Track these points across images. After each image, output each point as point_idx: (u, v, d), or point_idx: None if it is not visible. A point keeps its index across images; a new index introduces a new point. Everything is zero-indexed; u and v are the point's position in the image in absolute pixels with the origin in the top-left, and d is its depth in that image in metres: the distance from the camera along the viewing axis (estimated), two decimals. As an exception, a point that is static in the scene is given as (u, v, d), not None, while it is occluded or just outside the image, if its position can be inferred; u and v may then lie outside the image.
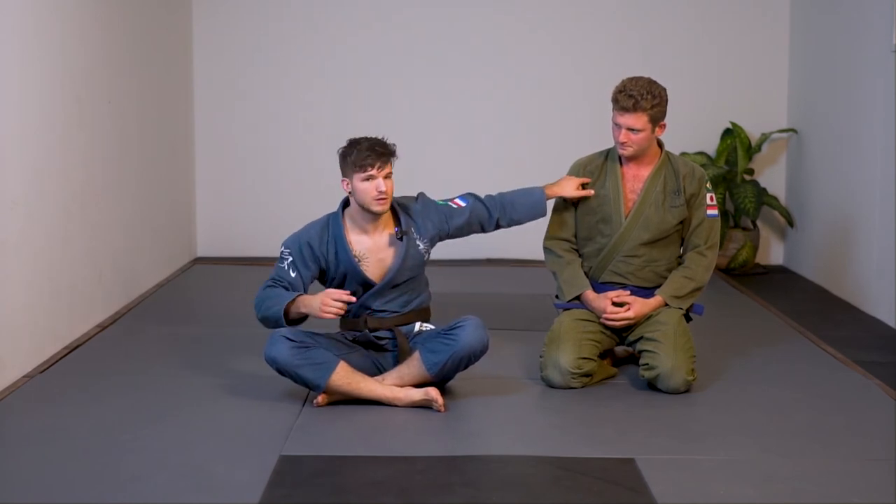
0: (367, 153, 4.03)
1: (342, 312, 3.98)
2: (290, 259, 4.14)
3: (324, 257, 4.15)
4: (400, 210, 4.20)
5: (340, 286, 4.16)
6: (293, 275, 4.12)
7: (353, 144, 4.09)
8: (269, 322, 4.08)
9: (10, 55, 4.34)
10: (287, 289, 4.10)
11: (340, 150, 4.13)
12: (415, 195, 4.31)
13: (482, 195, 4.43)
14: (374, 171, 4.03)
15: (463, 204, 4.34)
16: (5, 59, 4.29)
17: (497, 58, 7.11)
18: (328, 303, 3.95)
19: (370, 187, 4.04)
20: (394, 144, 4.11)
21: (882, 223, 5.69)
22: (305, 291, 4.14)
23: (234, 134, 7.14)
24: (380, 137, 4.11)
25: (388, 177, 4.07)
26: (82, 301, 5.07)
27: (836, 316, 5.80)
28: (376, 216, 4.12)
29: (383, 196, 4.05)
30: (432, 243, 4.26)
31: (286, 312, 4.02)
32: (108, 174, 5.44)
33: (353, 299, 4.03)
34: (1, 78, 4.26)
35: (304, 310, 4.03)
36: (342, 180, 4.11)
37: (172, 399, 4.15)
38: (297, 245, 4.15)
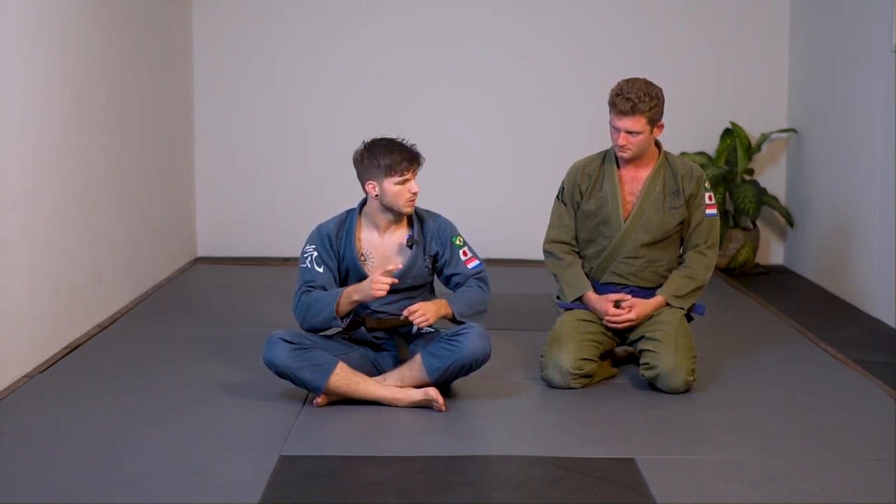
0: (403, 159, 4.06)
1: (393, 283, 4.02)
2: (316, 254, 4.14)
3: (338, 251, 4.17)
4: (416, 219, 4.21)
5: (344, 281, 4.17)
6: (321, 270, 4.13)
7: (381, 148, 4.08)
8: (320, 328, 4.11)
9: (10, 55, 4.34)
10: (323, 289, 4.10)
11: (362, 154, 4.11)
12: (436, 213, 4.29)
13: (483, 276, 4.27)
14: (409, 175, 4.07)
15: (471, 267, 4.24)
16: (5, 59, 4.29)
17: (497, 59, 7.10)
18: (379, 280, 3.98)
19: (404, 190, 4.08)
20: (415, 145, 4.15)
21: (882, 223, 5.68)
22: (339, 284, 4.16)
23: (234, 134, 7.14)
24: (397, 139, 4.13)
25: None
26: (82, 301, 5.07)
27: (836, 316, 5.80)
28: (401, 216, 4.15)
29: (415, 197, 4.11)
30: (432, 264, 4.23)
31: (337, 311, 4.05)
32: (107, 174, 5.44)
33: (395, 280, 4.04)
34: (1, 78, 4.26)
35: (356, 297, 4.03)
36: (368, 183, 4.10)
37: (172, 399, 4.15)
38: (319, 238, 4.17)
